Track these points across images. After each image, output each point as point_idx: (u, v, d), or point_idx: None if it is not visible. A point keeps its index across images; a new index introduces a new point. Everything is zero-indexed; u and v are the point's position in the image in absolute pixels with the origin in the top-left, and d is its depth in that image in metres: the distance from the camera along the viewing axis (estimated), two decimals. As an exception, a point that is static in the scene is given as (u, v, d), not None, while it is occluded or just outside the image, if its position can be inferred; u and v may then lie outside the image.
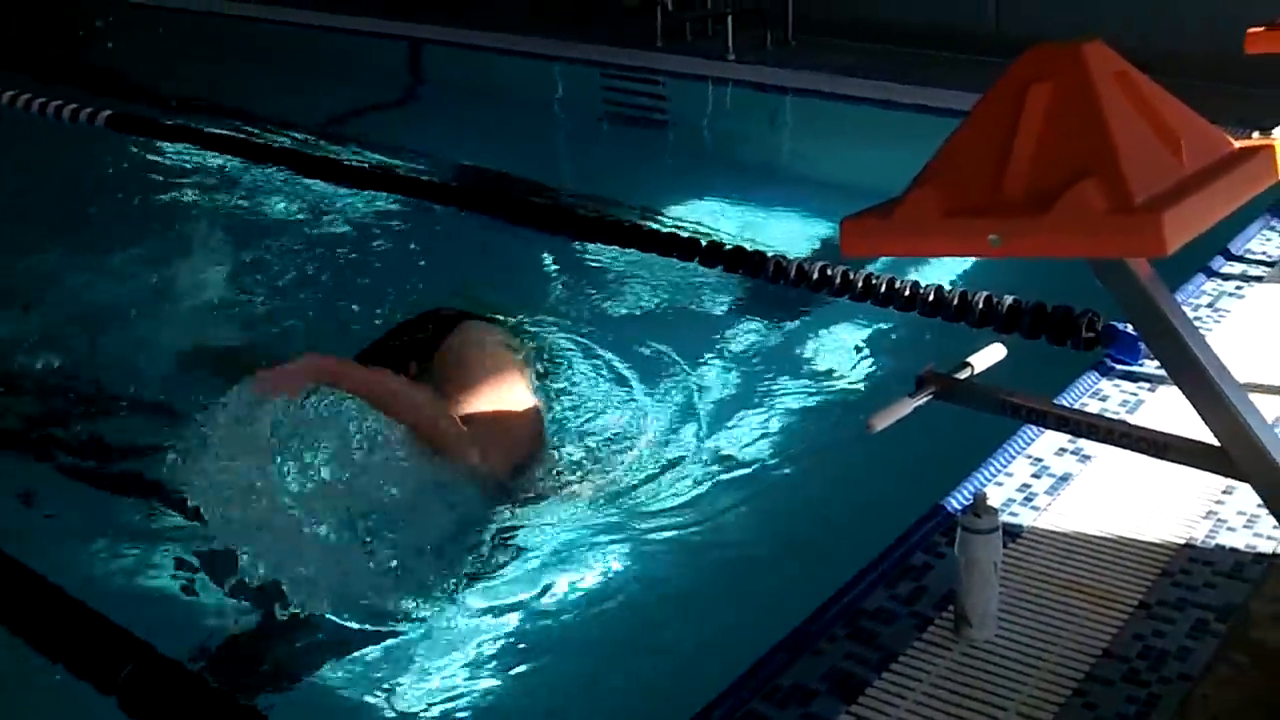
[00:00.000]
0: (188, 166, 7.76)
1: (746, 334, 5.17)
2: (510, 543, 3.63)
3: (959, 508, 3.33)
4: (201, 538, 3.61)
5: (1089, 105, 2.33)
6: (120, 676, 2.71)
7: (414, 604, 3.37)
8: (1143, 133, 2.36)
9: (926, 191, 2.42)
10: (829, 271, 5.21)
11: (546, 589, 3.43)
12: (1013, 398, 2.93)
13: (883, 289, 4.98)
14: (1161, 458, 2.57)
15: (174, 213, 6.95)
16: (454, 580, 3.45)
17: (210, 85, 9.95)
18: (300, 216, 6.86)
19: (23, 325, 5.30)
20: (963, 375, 3.03)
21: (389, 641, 3.31)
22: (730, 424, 4.23)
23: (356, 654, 3.29)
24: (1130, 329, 4.18)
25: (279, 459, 3.54)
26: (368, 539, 3.46)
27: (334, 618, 3.37)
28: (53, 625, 2.94)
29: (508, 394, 4.06)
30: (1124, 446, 2.66)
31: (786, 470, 3.93)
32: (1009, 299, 4.55)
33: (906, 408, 2.86)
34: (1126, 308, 2.57)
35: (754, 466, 3.95)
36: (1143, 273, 2.53)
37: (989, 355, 3.14)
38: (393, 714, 3.08)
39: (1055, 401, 3.60)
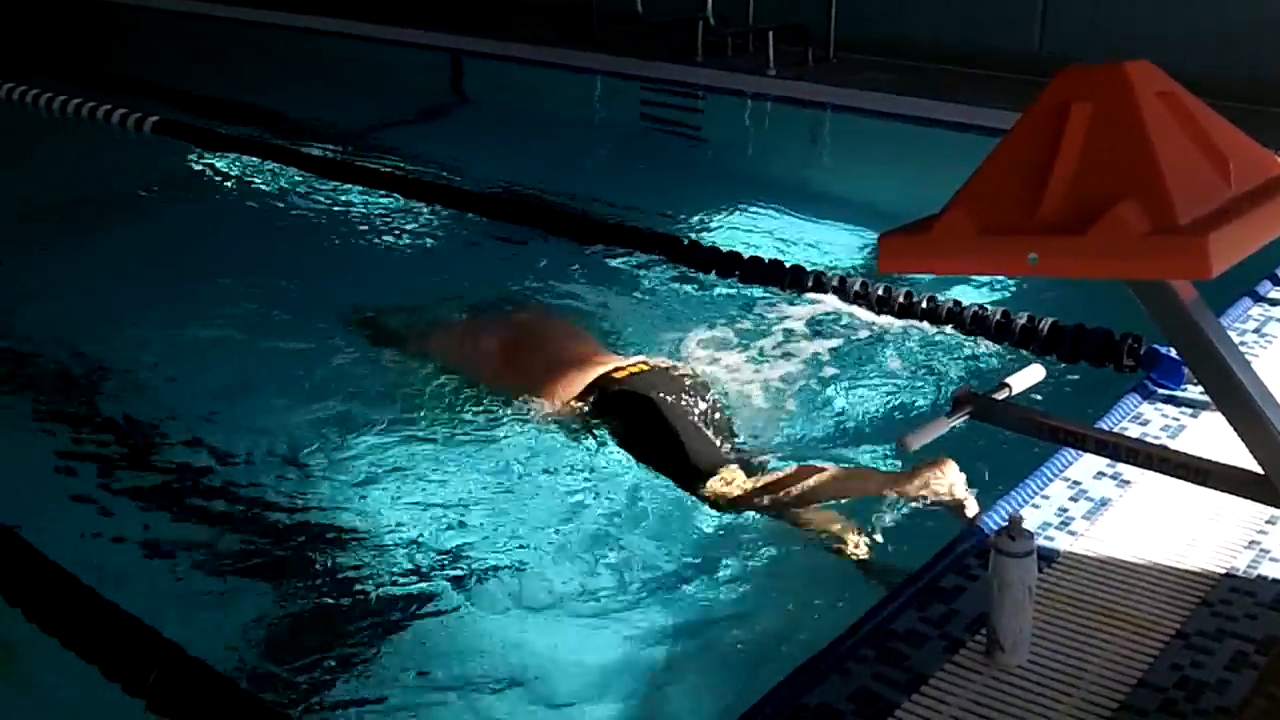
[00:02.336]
0: (229, 172, 7.83)
1: (779, 348, 5.13)
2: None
3: (993, 530, 3.28)
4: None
5: (1132, 125, 2.30)
6: (149, 679, 2.71)
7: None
8: (1189, 153, 2.33)
9: (964, 209, 2.39)
10: (868, 287, 5.18)
11: (572, 596, 3.42)
12: (1050, 420, 2.90)
13: (922, 306, 4.94)
14: (1203, 485, 2.54)
15: (214, 217, 7.01)
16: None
17: (254, 92, 10.04)
18: (339, 223, 6.89)
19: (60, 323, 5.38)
20: (1001, 396, 3.00)
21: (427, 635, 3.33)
22: (761, 438, 4.19)
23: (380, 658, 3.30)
24: (1173, 353, 4.13)
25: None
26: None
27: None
28: (83, 626, 2.94)
29: None
30: (1164, 472, 2.62)
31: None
32: (1049, 320, 4.50)
33: (942, 427, 2.83)
34: (1168, 330, 2.53)
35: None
36: (1186, 295, 2.49)
37: (1028, 376, 3.11)
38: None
39: (1095, 425, 3.56)
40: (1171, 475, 2.61)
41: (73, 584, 3.12)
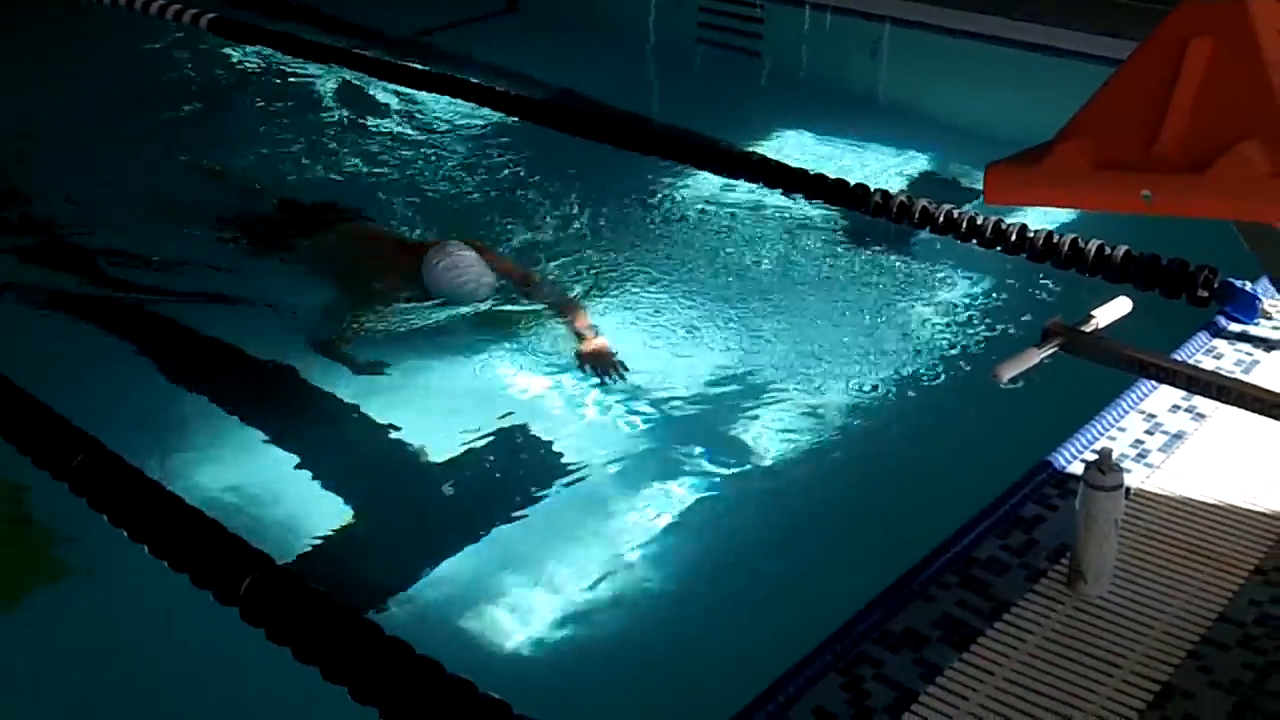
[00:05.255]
0: (282, 71, 7.79)
1: (845, 272, 5.11)
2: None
3: (1069, 461, 3.30)
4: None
5: (1253, 62, 2.26)
6: (241, 588, 2.76)
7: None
8: (1309, 94, 2.29)
9: (1077, 143, 2.36)
10: (932, 209, 5.13)
11: (638, 527, 3.46)
12: (1140, 354, 2.90)
13: (989, 231, 4.89)
14: (1300, 424, 2.53)
15: (264, 114, 7.00)
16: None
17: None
18: (387, 124, 6.88)
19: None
20: (1088, 328, 2.99)
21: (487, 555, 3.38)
22: (831, 365, 4.19)
23: (459, 566, 3.36)
24: (1248, 286, 4.10)
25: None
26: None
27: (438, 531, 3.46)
28: (173, 535, 2.99)
29: None
30: (1258, 412, 2.62)
31: (891, 417, 3.90)
32: (1122, 249, 4.46)
33: (1033, 358, 2.83)
34: (1272, 270, 2.52)
35: (860, 412, 3.91)
36: (1292, 235, 2.47)
37: (1114, 309, 3.10)
38: (501, 628, 3.13)
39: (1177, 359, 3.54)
40: (1269, 416, 2.60)
41: (159, 492, 3.16)
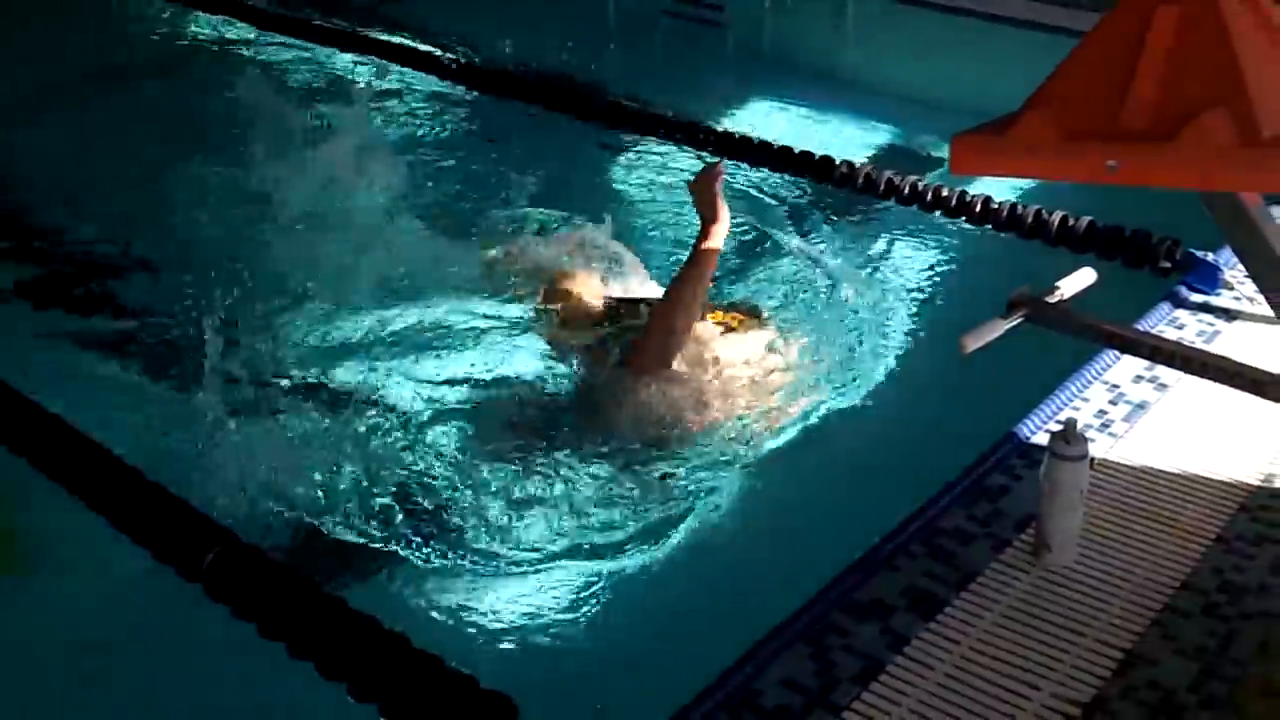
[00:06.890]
0: (235, 40, 7.72)
1: (808, 243, 5.11)
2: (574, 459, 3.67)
3: (1034, 431, 3.32)
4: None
5: (1218, 33, 2.27)
6: (205, 563, 2.74)
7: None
8: (1272, 65, 2.30)
9: (1043, 113, 2.37)
10: (897, 181, 5.14)
11: (621, 498, 3.45)
12: (1104, 324, 2.91)
13: (954, 202, 4.90)
14: (1263, 396, 2.55)
15: (224, 87, 6.92)
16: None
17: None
18: (354, 96, 6.80)
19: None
20: (1053, 298, 3.01)
21: (457, 534, 3.35)
22: (799, 336, 4.19)
23: (428, 542, 3.34)
24: (1209, 257, 4.12)
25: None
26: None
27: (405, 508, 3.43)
28: (136, 510, 2.96)
29: None
30: (1221, 382, 2.64)
31: (860, 389, 3.90)
32: (1086, 220, 4.48)
33: (999, 329, 2.84)
34: (1234, 240, 2.53)
35: (828, 384, 3.90)
36: (1253, 204, 2.49)
37: (1079, 279, 3.11)
38: (466, 606, 3.12)
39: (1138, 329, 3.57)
40: (1232, 386, 2.62)
41: (120, 466, 3.13)
